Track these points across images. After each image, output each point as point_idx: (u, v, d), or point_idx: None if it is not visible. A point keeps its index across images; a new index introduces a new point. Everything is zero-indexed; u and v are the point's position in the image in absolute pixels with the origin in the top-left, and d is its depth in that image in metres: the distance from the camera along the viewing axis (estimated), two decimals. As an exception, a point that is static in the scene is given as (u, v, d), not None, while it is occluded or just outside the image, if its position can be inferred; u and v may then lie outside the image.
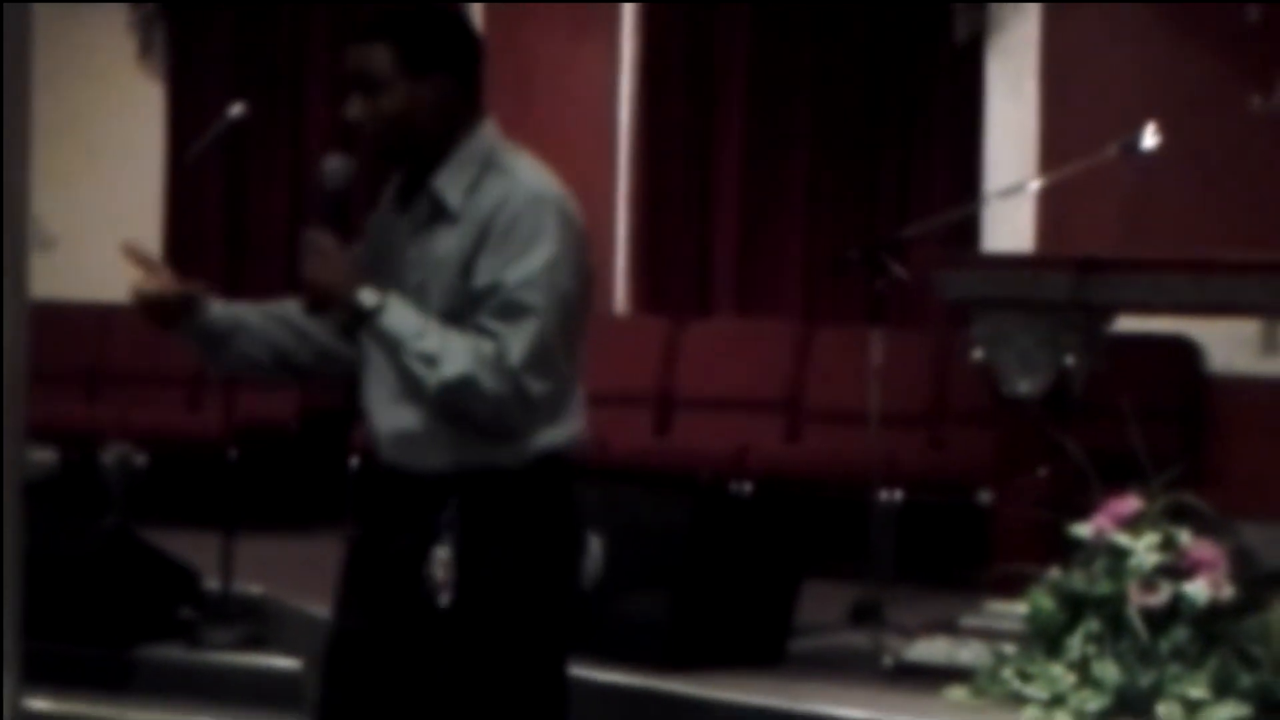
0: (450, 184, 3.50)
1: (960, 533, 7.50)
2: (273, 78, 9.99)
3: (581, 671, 6.20)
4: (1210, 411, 8.02)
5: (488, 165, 3.51)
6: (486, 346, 3.37)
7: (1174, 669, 5.26)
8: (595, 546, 6.47)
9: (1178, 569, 5.35)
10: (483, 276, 3.40)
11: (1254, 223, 7.84)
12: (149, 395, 9.63)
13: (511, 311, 3.39)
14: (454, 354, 3.36)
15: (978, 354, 6.16)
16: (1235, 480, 7.31)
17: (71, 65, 10.30)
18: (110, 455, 9.06)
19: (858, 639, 6.49)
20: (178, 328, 3.70)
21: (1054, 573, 5.49)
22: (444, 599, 3.43)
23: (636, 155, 9.37)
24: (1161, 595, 5.30)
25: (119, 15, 10.25)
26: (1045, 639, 5.47)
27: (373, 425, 3.59)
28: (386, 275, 3.51)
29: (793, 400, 8.60)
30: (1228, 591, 5.33)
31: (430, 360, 3.36)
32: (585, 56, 9.50)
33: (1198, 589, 5.29)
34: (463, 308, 3.43)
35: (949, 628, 6.17)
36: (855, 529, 7.22)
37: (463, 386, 3.36)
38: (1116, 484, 5.47)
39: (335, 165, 3.53)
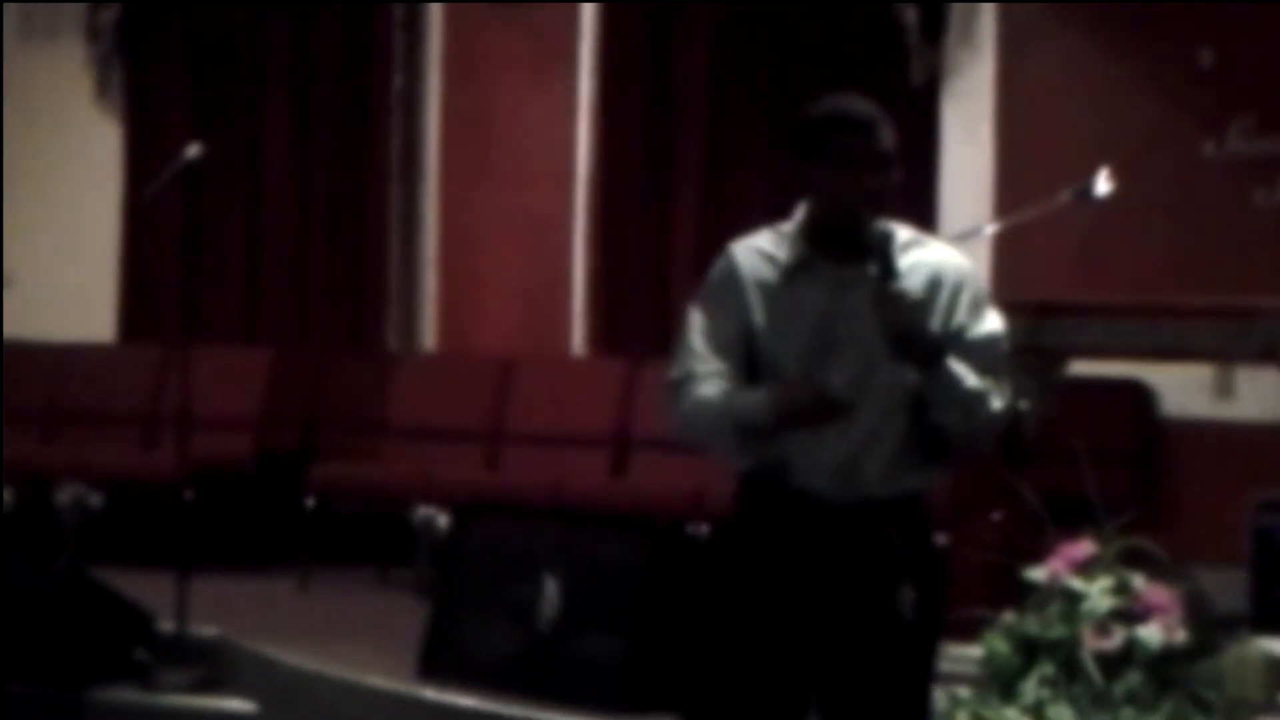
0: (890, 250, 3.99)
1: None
2: (230, 118, 9.99)
3: (537, 713, 6.23)
4: (1164, 455, 8.06)
5: (894, 235, 3.98)
6: (991, 384, 3.95)
7: (1128, 713, 5.27)
8: (551, 588, 6.52)
9: (1131, 613, 5.37)
10: (975, 330, 3.99)
11: (1207, 268, 7.89)
12: (104, 435, 9.59)
13: (1003, 359, 4.04)
14: (995, 391, 3.95)
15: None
16: (1188, 524, 7.34)
17: (28, 104, 10.29)
18: (65, 495, 9.03)
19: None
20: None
21: (1008, 616, 5.51)
22: (910, 613, 3.94)
23: (594, 197, 9.39)
24: (1115, 639, 5.31)
25: (76, 54, 10.24)
26: (1000, 683, 5.48)
27: (833, 460, 3.94)
28: (808, 330, 3.95)
29: (749, 442, 8.60)
30: (1181, 636, 5.35)
31: (981, 396, 3.92)
32: (543, 99, 9.53)
33: (1151, 633, 5.31)
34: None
35: (904, 671, 6.16)
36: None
37: (1001, 419, 3.98)
38: (1070, 528, 5.49)
39: (884, 229, 3.94)
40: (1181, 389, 7.97)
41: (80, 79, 10.26)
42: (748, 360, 4.01)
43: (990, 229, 7.59)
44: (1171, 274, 7.89)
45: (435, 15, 9.80)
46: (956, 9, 8.65)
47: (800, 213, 4.03)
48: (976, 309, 4.00)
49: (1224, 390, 7.91)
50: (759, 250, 4.04)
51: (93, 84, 10.27)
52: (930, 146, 8.70)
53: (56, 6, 10.33)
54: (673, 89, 9.23)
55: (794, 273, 4.00)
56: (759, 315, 4.00)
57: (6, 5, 10.40)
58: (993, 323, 4.02)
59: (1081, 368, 6.53)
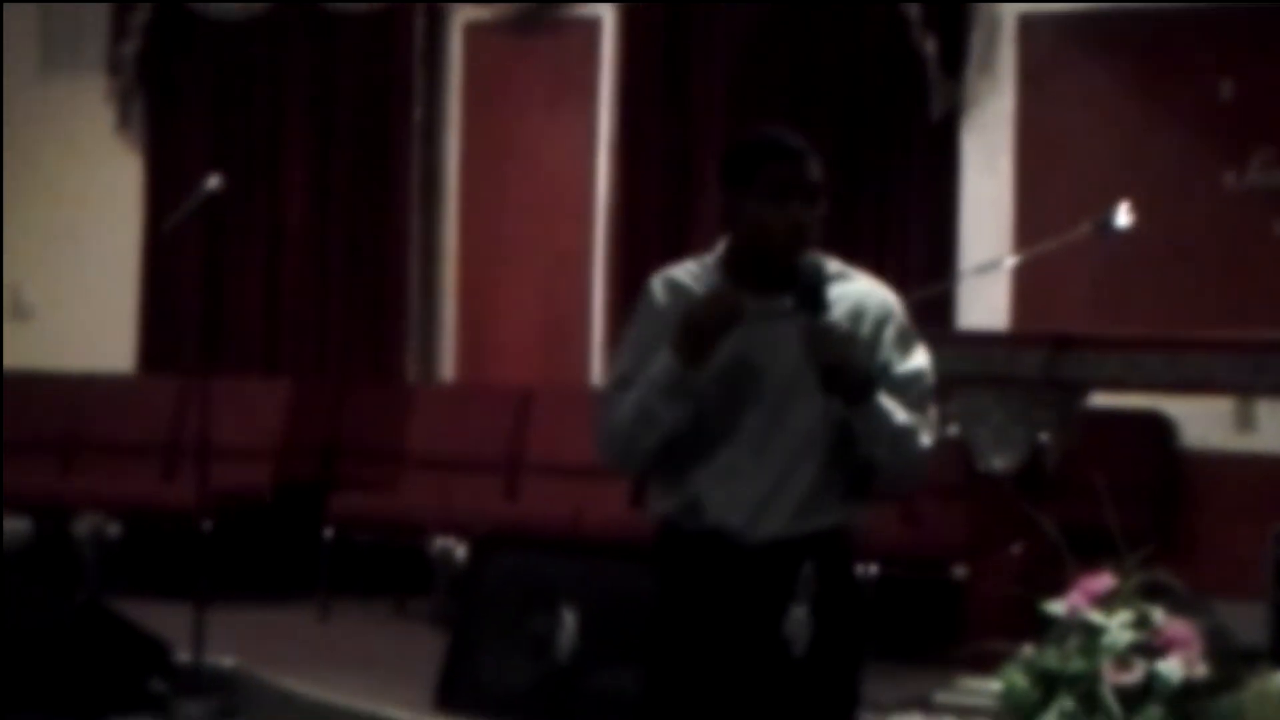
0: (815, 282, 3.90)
1: (935, 608, 7.50)
2: (250, 150, 10.03)
3: (555, 746, 6.22)
4: (1184, 488, 8.03)
5: (822, 267, 3.90)
6: (919, 420, 3.88)
7: (1148, 747, 5.24)
8: (569, 620, 6.51)
9: (1151, 647, 5.33)
10: (901, 365, 3.91)
11: (1227, 300, 7.88)
12: (123, 465, 9.59)
13: (929, 394, 3.94)
14: (922, 428, 3.88)
15: (952, 430, 6.17)
16: (1209, 557, 7.32)
17: (50, 136, 10.34)
18: (83, 526, 9.03)
19: (832, 715, 6.46)
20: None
21: (1028, 650, 5.48)
22: (802, 643, 3.83)
23: (613, 227, 9.40)
24: (1135, 673, 5.28)
25: (98, 86, 10.28)
26: (1019, 716, 5.45)
27: (745, 497, 3.87)
28: (722, 364, 3.85)
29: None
30: (1201, 670, 5.31)
31: (909, 433, 3.85)
32: (563, 130, 9.55)
33: (1171, 667, 5.28)
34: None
35: (923, 704, 6.16)
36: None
37: (928, 456, 3.90)
38: (1090, 560, 5.47)
39: (814, 261, 3.90)
40: (1202, 421, 7.96)
41: (101, 111, 10.30)
42: None
43: (1010, 261, 7.58)
44: (1192, 306, 7.87)
45: (455, 46, 9.83)
46: (976, 41, 8.66)
47: (722, 244, 4.00)
48: (903, 344, 3.93)
49: (1245, 423, 7.89)
50: (675, 283, 4.01)
51: (114, 116, 10.31)
52: (950, 179, 8.70)
53: (78, 39, 10.38)
54: (692, 119, 9.24)
55: None
56: None
57: (29, 38, 10.44)
58: (920, 358, 3.94)
59: (1101, 399, 6.52)
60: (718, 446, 3.88)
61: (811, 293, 3.83)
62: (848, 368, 3.77)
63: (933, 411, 3.94)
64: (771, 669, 3.85)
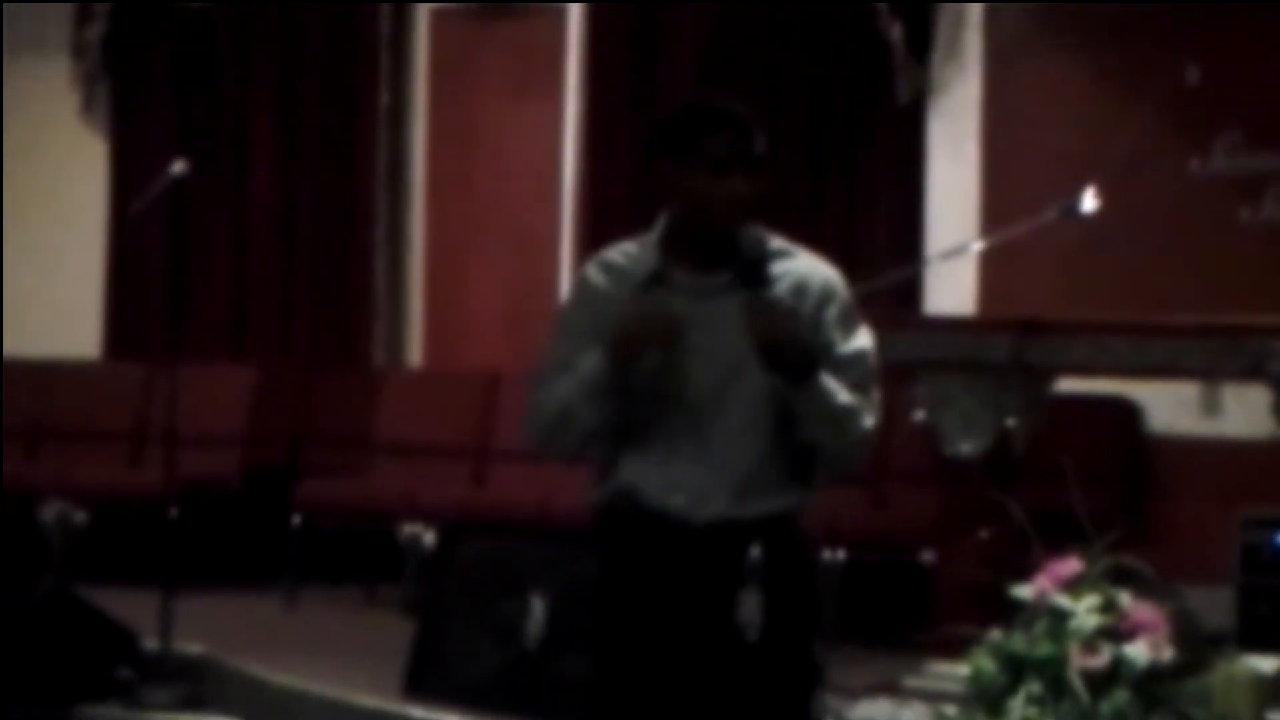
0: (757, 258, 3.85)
1: (902, 593, 7.51)
2: (216, 134, 10.00)
3: (524, 732, 6.22)
4: (1151, 472, 8.06)
5: (764, 243, 3.85)
6: (862, 401, 3.80)
7: (1115, 731, 5.26)
8: (538, 606, 6.50)
9: (1118, 631, 5.35)
10: (844, 345, 3.83)
11: (1194, 285, 7.90)
12: (90, 452, 9.56)
13: (872, 376, 3.86)
14: (866, 409, 3.80)
15: (920, 415, 6.18)
16: (1175, 541, 7.34)
17: (13, 119, 10.29)
18: (49, 512, 9.01)
19: (800, 699, 6.47)
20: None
21: (995, 634, 5.50)
22: (754, 632, 3.77)
23: (580, 212, 9.40)
24: (1102, 657, 5.30)
25: (62, 70, 10.24)
26: (987, 701, 5.46)
27: (686, 477, 3.80)
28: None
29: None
30: (1168, 654, 5.33)
31: (852, 413, 3.78)
32: (530, 114, 9.54)
33: (1138, 651, 5.30)
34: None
35: (891, 688, 6.17)
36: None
37: (871, 438, 3.83)
38: (1058, 545, 5.48)
39: (757, 235, 3.84)
40: (1168, 406, 7.98)
41: (66, 95, 10.26)
42: None
43: (977, 246, 7.59)
44: (1158, 291, 7.89)
45: (421, 31, 9.82)
46: (942, 26, 8.67)
47: (661, 221, 3.89)
48: (846, 324, 3.84)
49: (1211, 407, 7.90)
50: (610, 264, 3.90)
51: (78, 100, 10.27)
52: (916, 164, 8.71)
53: (42, 22, 10.34)
54: (658, 105, 9.23)
55: (649, 285, 3.84)
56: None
57: (-8, 21, 10.41)
58: (863, 339, 3.86)
59: (1068, 384, 6.53)
60: (656, 427, 3.81)
61: (753, 268, 3.77)
62: (789, 345, 3.70)
63: (876, 393, 3.85)
64: (721, 653, 3.79)
